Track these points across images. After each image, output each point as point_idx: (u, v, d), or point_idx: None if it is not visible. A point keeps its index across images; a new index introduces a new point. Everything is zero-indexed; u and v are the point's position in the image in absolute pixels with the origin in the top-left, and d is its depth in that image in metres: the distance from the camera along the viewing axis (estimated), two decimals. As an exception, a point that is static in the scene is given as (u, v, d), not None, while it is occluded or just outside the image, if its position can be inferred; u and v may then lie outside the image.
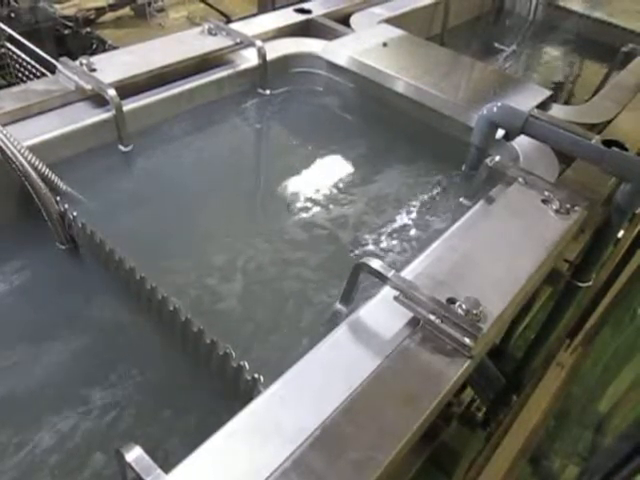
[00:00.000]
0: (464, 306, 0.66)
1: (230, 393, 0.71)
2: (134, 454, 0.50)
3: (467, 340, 0.64)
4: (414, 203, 1.07)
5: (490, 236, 0.80)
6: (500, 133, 1.04)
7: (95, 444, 0.71)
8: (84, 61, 1.07)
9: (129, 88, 1.07)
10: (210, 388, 0.76)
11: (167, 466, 0.50)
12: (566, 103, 1.62)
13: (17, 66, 1.88)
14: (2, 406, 0.75)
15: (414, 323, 0.66)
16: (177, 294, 0.76)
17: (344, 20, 1.50)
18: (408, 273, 0.72)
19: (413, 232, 1.00)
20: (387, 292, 0.69)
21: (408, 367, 0.62)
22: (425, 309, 0.66)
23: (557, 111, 1.20)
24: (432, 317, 0.66)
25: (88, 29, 2.37)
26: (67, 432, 0.72)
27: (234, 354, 0.68)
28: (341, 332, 0.66)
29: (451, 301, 0.67)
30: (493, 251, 0.77)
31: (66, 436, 0.72)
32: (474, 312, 0.66)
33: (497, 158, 0.95)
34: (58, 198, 0.89)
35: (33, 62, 1.79)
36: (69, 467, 0.69)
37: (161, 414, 0.75)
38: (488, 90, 1.21)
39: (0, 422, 0.73)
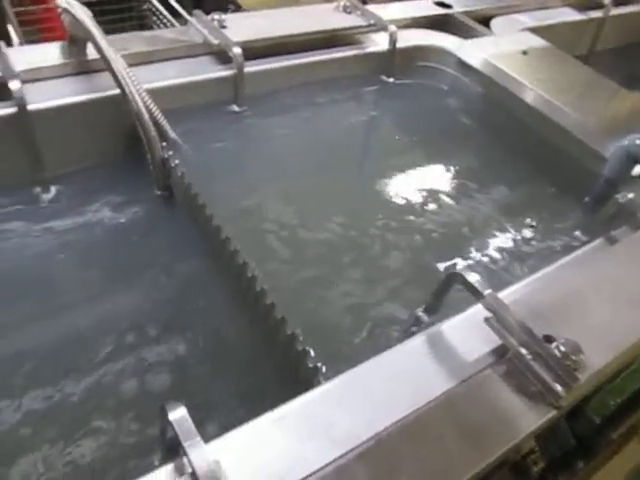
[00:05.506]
0: (562, 348, 0.58)
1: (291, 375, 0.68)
2: (178, 414, 0.48)
3: (558, 387, 0.56)
4: (520, 226, 0.98)
5: (606, 279, 0.71)
6: (638, 170, 0.93)
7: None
8: (216, 17, 1.08)
9: (254, 50, 1.06)
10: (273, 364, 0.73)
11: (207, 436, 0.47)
12: None
13: (155, 19, 1.97)
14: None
15: (501, 352, 0.59)
16: (257, 263, 0.74)
17: (484, 21, 1.41)
18: (505, 297, 0.64)
19: (515, 256, 0.91)
20: (477, 311, 0.62)
21: (484, 400, 0.56)
22: (517, 340, 0.58)
23: None
24: (523, 351, 0.58)
25: (225, -8, 2.42)
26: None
27: (301, 337, 0.65)
28: (418, 342, 0.60)
29: (548, 339, 0.59)
30: (607, 296, 0.68)
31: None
32: (573, 358, 0.57)
33: (630, 196, 0.84)
34: (164, 144, 0.90)
35: (169, 16, 1.86)
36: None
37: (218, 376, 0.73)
38: (631, 120, 1.09)
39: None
